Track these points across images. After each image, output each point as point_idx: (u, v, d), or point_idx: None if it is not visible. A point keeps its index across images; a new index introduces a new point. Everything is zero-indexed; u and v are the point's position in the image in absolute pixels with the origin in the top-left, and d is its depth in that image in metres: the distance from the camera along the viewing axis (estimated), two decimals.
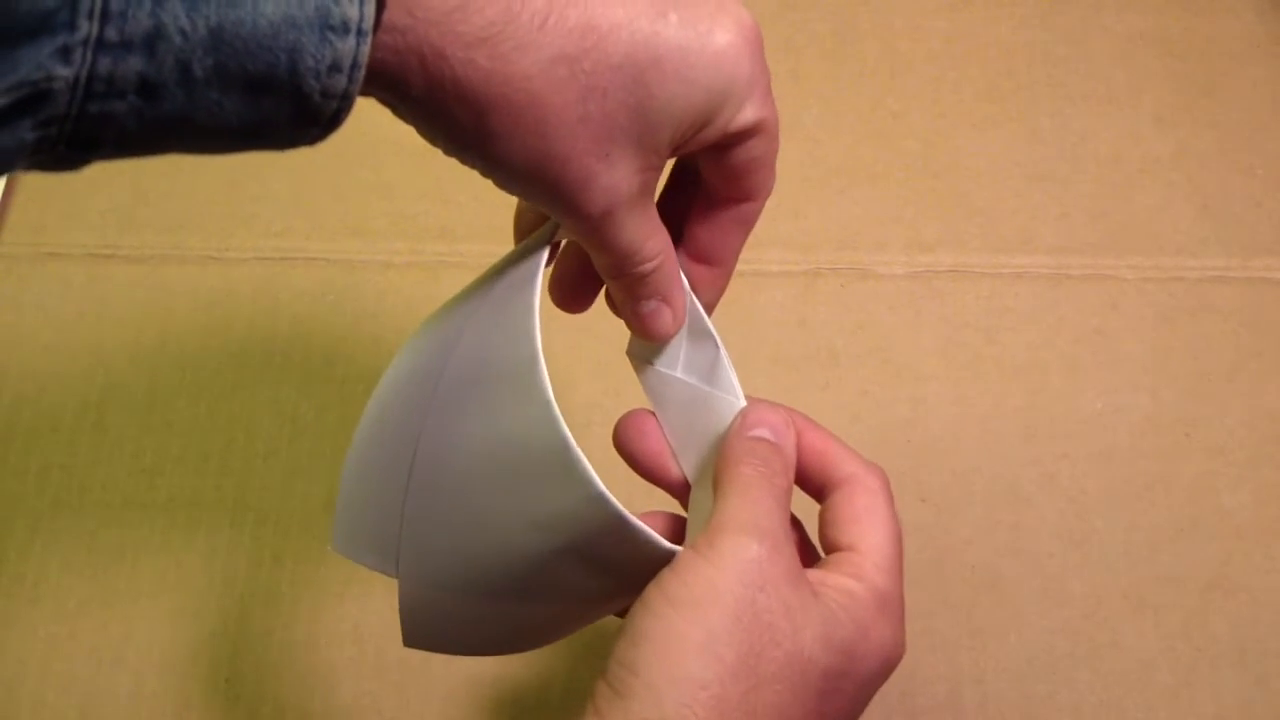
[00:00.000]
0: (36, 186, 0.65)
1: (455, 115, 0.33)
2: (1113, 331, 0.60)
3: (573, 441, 0.34)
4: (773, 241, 0.62)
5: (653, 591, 0.36)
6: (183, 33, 0.28)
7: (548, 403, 0.35)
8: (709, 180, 0.39)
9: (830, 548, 0.39)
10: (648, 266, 0.38)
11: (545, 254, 0.38)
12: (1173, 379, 0.59)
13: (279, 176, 0.64)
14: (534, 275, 0.37)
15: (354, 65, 0.30)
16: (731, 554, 0.35)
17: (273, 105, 0.30)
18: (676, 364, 0.40)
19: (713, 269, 0.40)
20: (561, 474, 0.35)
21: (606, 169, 0.35)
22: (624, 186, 0.35)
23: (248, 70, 0.29)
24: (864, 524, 0.39)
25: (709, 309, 0.40)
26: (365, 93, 0.32)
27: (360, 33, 0.30)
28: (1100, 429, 0.57)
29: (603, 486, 0.35)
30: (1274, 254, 0.62)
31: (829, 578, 0.38)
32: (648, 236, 0.37)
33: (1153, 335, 0.60)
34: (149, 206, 0.64)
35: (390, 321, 0.61)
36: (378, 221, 0.63)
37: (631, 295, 0.39)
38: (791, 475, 0.39)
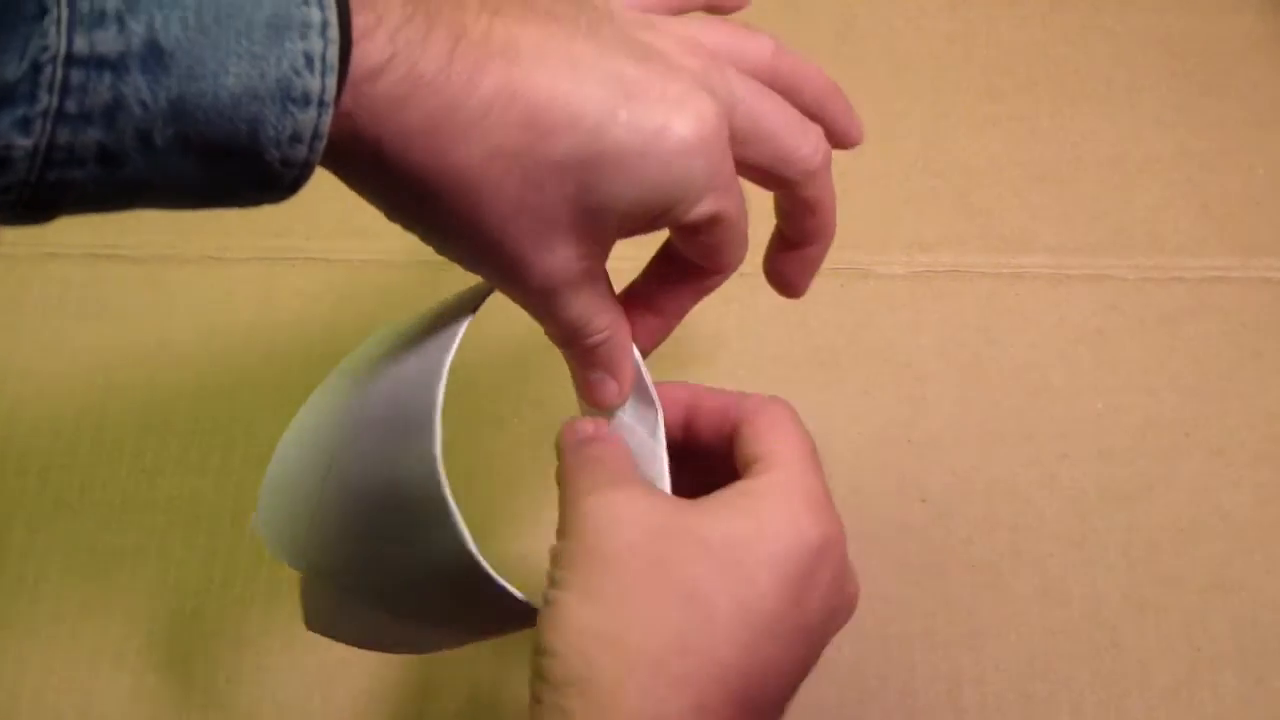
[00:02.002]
0: None
1: (397, 195, 0.33)
2: (1113, 331, 0.60)
3: (450, 501, 0.36)
4: None
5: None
6: (143, 104, 0.28)
7: (433, 458, 0.36)
8: (676, 245, 0.39)
9: (743, 473, 0.38)
10: (594, 340, 0.38)
11: (470, 317, 0.39)
12: (1173, 379, 0.59)
13: None
14: (454, 334, 0.38)
15: (315, 136, 0.30)
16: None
17: (234, 171, 0.30)
18: (623, 414, 0.40)
19: (658, 319, 0.40)
20: (439, 525, 0.36)
21: (546, 255, 0.35)
22: (565, 270, 0.35)
23: (208, 139, 0.29)
24: (766, 438, 0.38)
25: (644, 353, 0.40)
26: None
27: (322, 104, 0.30)
28: (1100, 429, 0.57)
29: (471, 545, 0.36)
30: (1274, 254, 0.62)
31: (721, 493, 0.37)
32: (595, 313, 0.37)
33: (1153, 335, 0.60)
34: None
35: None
36: (378, 221, 0.63)
37: (579, 364, 0.39)
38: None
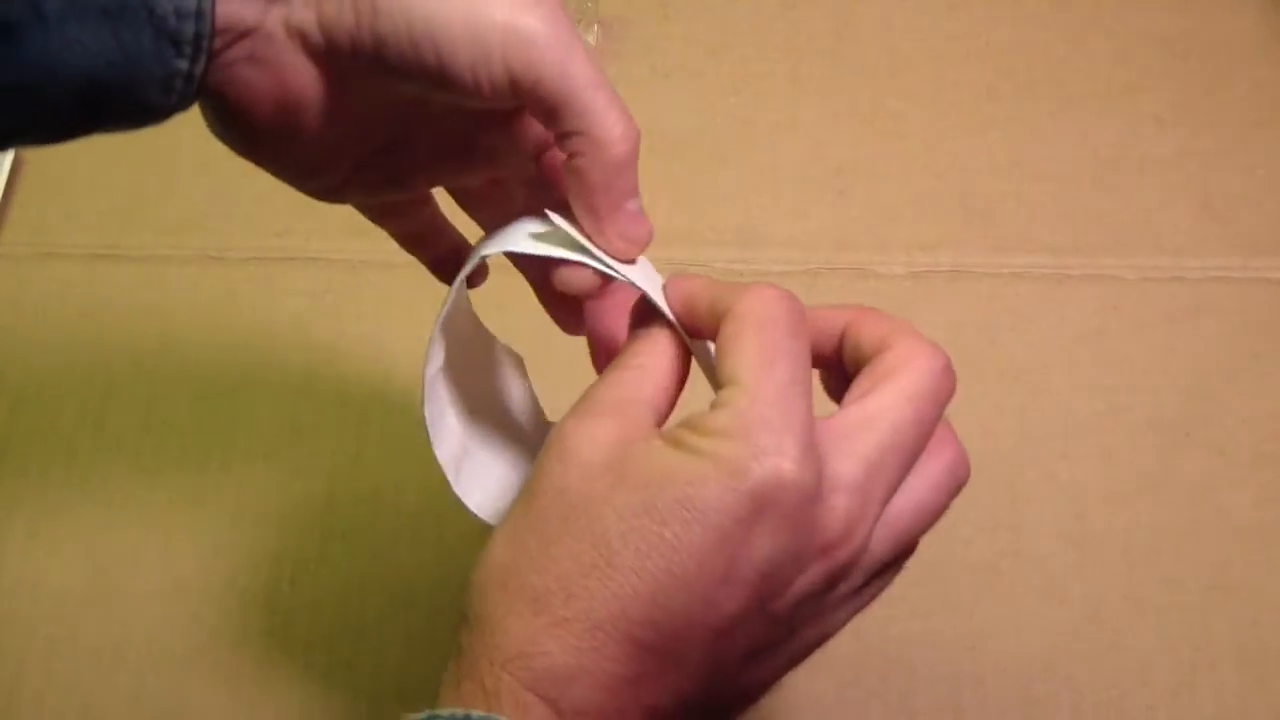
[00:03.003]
0: (37, 187, 0.65)
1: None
2: (1113, 331, 0.60)
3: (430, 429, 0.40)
4: (773, 241, 0.62)
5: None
6: None
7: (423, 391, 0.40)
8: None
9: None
10: (630, 145, 0.34)
11: (458, 291, 0.39)
12: (1173, 379, 0.59)
13: None
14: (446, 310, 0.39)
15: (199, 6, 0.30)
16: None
17: (132, 34, 0.30)
18: None
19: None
20: None
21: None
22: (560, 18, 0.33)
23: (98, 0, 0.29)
24: (731, 357, 0.33)
25: None
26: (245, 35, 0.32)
27: None
28: (1100, 429, 0.57)
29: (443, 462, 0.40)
30: (1274, 254, 0.62)
31: (678, 425, 0.33)
32: (613, 102, 0.34)
33: (1153, 335, 0.60)
34: (149, 206, 0.64)
35: (390, 321, 0.61)
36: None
37: (613, 189, 0.34)
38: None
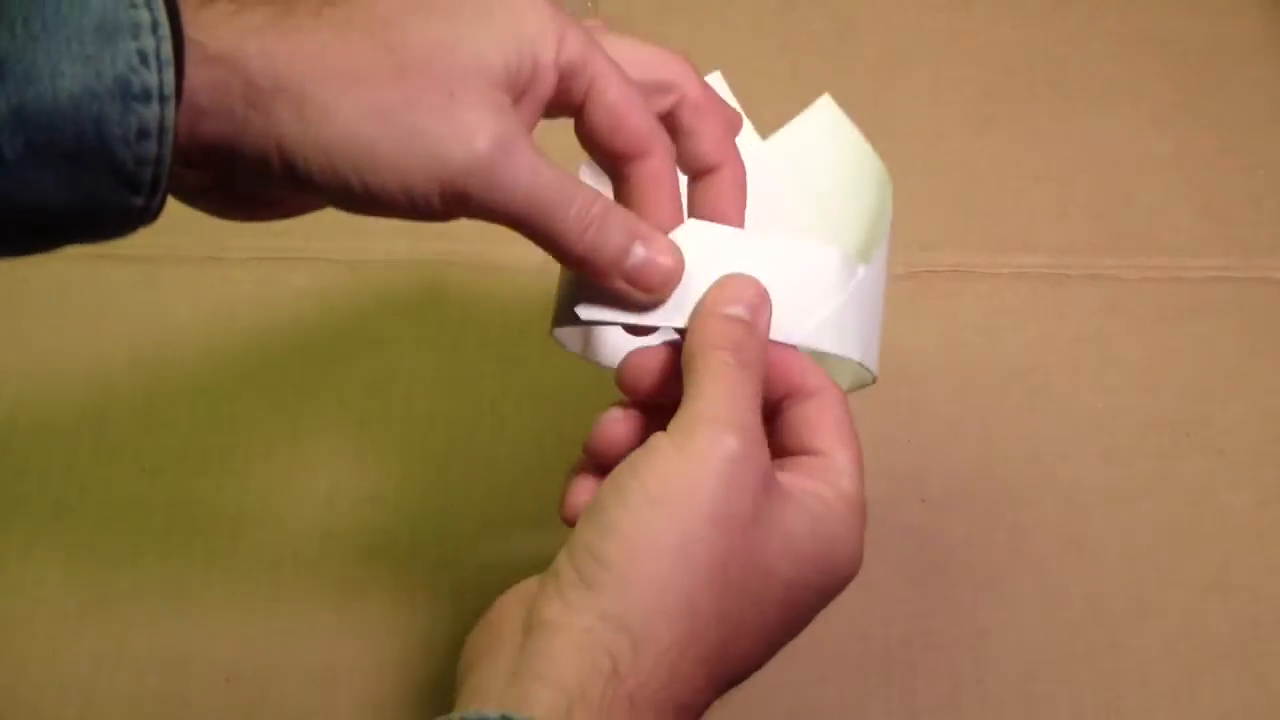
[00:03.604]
0: None
1: (279, 113, 0.33)
2: (1113, 331, 0.60)
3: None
4: None
5: (627, 480, 0.35)
6: None
7: None
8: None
9: (798, 451, 0.38)
10: (594, 210, 0.36)
11: None
12: (1173, 379, 0.59)
13: None
14: None
15: (161, 129, 0.31)
16: (709, 450, 0.34)
17: (92, 177, 0.31)
18: None
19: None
20: None
21: (454, 115, 0.34)
22: (484, 127, 0.34)
23: (58, 145, 0.30)
24: (839, 435, 0.38)
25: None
26: (195, 160, 0.33)
27: (163, 98, 0.31)
28: (1100, 429, 0.57)
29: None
30: (1274, 254, 0.62)
31: (802, 481, 0.37)
32: (565, 181, 0.36)
33: (1153, 335, 0.60)
34: None
35: (390, 321, 0.60)
36: (378, 222, 0.63)
37: (603, 253, 0.37)
38: (765, 359, 0.38)
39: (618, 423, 0.40)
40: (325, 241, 0.63)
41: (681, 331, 0.38)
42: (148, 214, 0.33)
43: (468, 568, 0.55)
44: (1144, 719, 0.51)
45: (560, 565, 0.35)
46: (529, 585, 0.37)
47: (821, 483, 0.37)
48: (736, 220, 0.40)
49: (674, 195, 0.38)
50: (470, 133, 0.34)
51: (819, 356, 0.40)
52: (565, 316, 0.40)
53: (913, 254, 0.62)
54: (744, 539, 0.35)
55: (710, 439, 0.35)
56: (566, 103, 0.37)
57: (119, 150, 0.31)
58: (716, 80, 0.45)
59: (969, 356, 0.59)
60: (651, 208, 0.38)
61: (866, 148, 0.44)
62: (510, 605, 0.37)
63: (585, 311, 0.39)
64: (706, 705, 0.35)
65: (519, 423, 0.58)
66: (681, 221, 0.39)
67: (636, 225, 0.37)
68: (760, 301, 0.38)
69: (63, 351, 0.60)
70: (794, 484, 0.37)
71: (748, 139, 0.44)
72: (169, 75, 0.31)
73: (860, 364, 0.41)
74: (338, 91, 0.33)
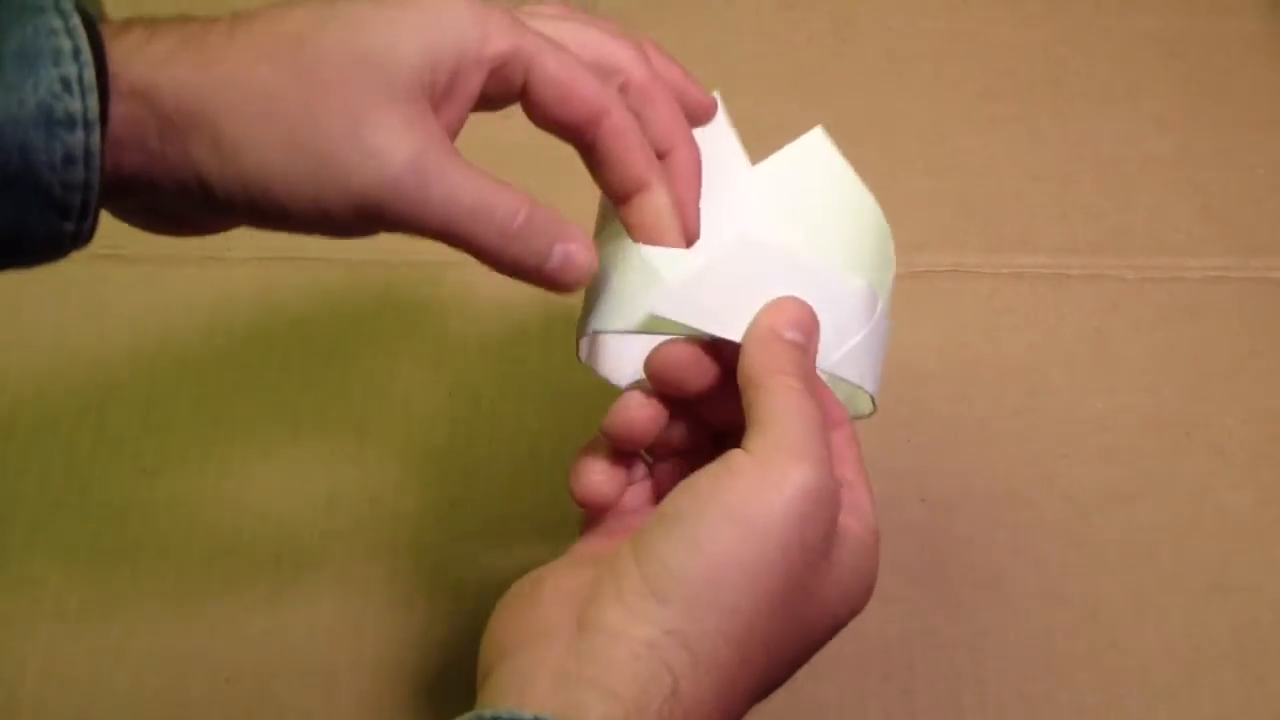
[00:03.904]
0: None
1: (194, 149, 0.33)
2: (1113, 331, 0.60)
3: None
4: None
5: (708, 496, 0.35)
6: None
7: None
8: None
9: None
10: (520, 216, 0.35)
11: None
12: (1173, 379, 0.59)
13: None
14: None
15: (88, 154, 0.31)
16: (792, 480, 0.34)
17: (19, 204, 0.31)
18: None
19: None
20: None
21: (370, 134, 0.33)
22: (403, 142, 0.34)
23: None
24: (860, 467, 0.39)
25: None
26: (116, 190, 0.33)
27: (87, 124, 0.31)
28: (1100, 429, 0.57)
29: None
30: (1274, 254, 0.62)
31: (840, 515, 0.37)
32: (489, 187, 0.35)
33: (1153, 335, 0.60)
34: None
35: (390, 321, 0.61)
36: None
37: (529, 261, 0.36)
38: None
39: (642, 408, 0.39)
40: (325, 241, 0.62)
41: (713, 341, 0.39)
42: (79, 238, 0.33)
43: (467, 568, 0.55)
44: (1144, 719, 0.51)
45: (624, 568, 0.34)
46: (577, 578, 0.36)
47: (854, 517, 0.38)
48: (692, 208, 0.40)
49: (641, 144, 0.38)
50: (380, 155, 0.33)
51: (832, 384, 0.41)
52: (596, 325, 0.40)
53: (913, 254, 0.62)
54: (808, 572, 0.35)
55: (793, 469, 0.34)
56: (507, 91, 0.37)
57: (46, 176, 0.31)
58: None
59: (969, 356, 0.59)
60: (621, 166, 0.38)
61: (860, 186, 0.44)
62: (554, 595, 0.36)
63: (602, 323, 0.39)
64: None
65: (519, 423, 0.58)
66: (655, 168, 0.38)
67: (557, 227, 0.36)
68: (814, 328, 0.38)
69: (63, 351, 0.60)
70: (838, 518, 0.37)
71: (736, 163, 0.44)
72: (92, 101, 0.31)
73: (871, 397, 0.42)
74: (249, 125, 0.33)
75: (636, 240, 0.39)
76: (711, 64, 0.68)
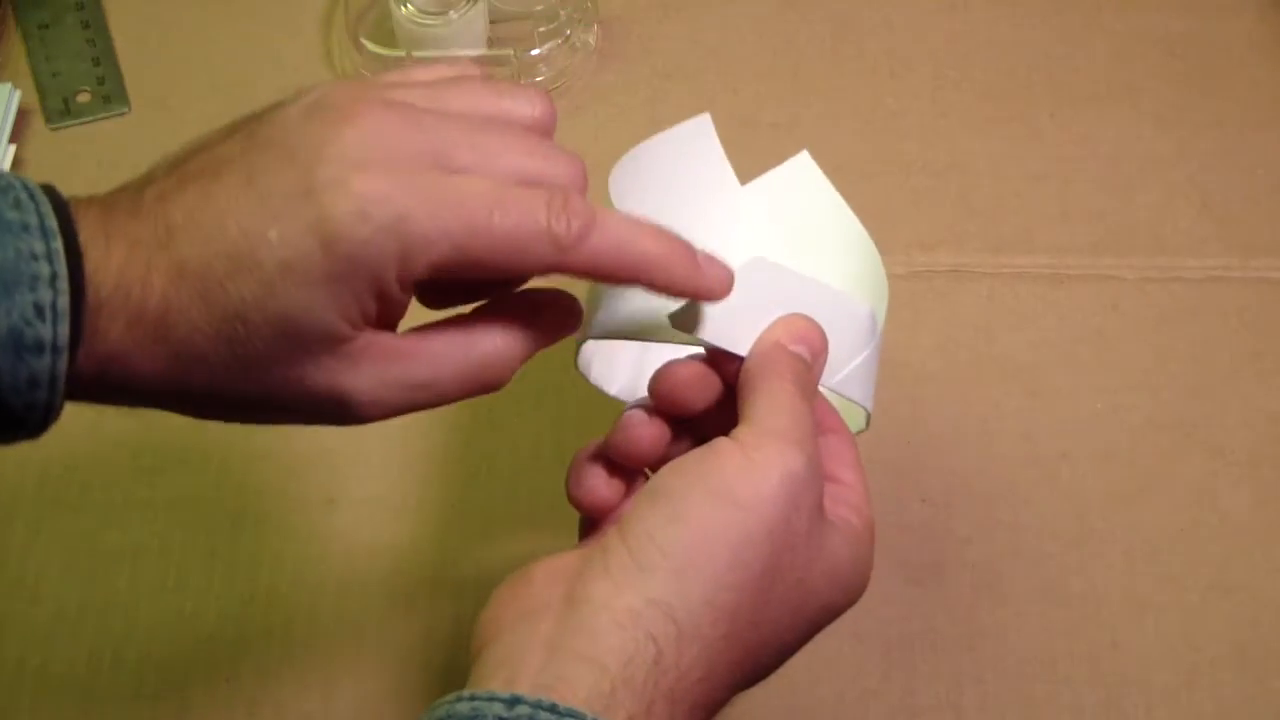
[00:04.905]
0: None
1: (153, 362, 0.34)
2: (1113, 331, 0.60)
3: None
4: None
5: (694, 474, 0.35)
6: None
7: None
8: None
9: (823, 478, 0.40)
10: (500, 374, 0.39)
11: None
12: (1173, 379, 0.59)
13: None
14: None
15: (53, 378, 0.32)
16: (777, 464, 0.35)
17: None
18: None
19: None
20: None
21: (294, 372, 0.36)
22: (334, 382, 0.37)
23: None
24: (858, 468, 0.40)
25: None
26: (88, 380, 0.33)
27: (55, 350, 0.31)
28: (1100, 429, 0.57)
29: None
30: (1274, 254, 0.62)
31: (835, 507, 0.38)
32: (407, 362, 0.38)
33: (1153, 335, 0.60)
34: None
35: None
36: None
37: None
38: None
39: (645, 425, 0.40)
40: None
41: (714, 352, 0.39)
42: (33, 437, 0.34)
43: (468, 568, 0.55)
44: (1144, 719, 0.51)
45: (610, 544, 0.35)
46: (565, 560, 0.37)
47: (850, 510, 0.39)
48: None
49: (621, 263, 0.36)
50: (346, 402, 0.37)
51: (832, 400, 0.43)
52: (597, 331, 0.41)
53: (913, 254, 0.62)
54: (793, 556, 0.35)
55: (779, 454, 0.35)
56: (499, 279, 0.38)
57: (9, 398, 0.32)
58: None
59: (969, 356, 0.59)
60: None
61: (847, 209, 0.45)
62: (543, 577, 0.36)
63: (604, 329, 0.41)
64: (721, 706, 0.36)
65: (519, 423, 0.58)
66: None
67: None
68: (821, 349, 0.39)
69: None
70: (830, 509, 0.38)
71: (725, 183, 0.44)
72: (64, 328, 0.31)
73: (868, 414, 0.44)
74: (186, 369, 0.35)
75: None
76: (712, 64, 0.69)
